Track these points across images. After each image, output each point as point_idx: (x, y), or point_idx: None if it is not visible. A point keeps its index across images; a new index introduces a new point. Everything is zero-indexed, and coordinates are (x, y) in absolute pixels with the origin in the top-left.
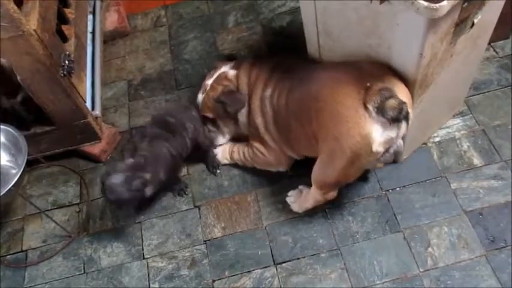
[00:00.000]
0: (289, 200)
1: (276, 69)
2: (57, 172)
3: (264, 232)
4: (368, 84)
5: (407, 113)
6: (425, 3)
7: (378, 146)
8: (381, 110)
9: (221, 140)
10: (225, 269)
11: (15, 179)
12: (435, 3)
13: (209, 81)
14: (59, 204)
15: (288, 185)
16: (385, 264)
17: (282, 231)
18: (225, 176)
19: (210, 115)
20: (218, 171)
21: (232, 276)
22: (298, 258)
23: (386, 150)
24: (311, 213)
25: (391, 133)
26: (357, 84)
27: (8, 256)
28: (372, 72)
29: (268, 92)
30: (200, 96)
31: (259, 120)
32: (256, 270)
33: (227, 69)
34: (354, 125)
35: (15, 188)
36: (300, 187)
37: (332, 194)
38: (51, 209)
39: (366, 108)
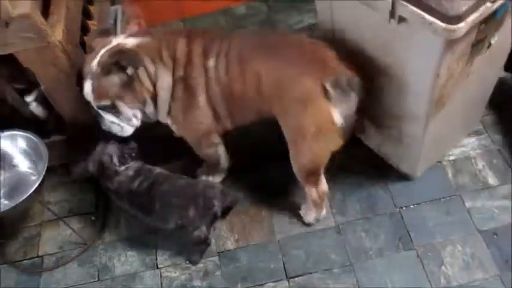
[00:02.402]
0: (301, 212)
1: (216, 38)
2: (74, 180)
3: (276, 245)
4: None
5: (358, 84)
6: (443, 25)
7: (337, 117)
8: (336, 85)
9: (129, 129)
10: (237, 281)
11: (36, 185)
12: (453, 24)
13: (94, 62)
14: (76, 212)
15: (301, 199)
16: (397, 281)
17: (295, 245)
18: (239, 189)
19: (107, 101)
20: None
21: None
22: (310, 273)
23: (345, 122)
24: (324, 228)
25: (346, 104)
26: (318, 73)
27: (24, 261)
28: (324, 58)
29: (212, 61)
30: (88, 85)
31: (202, 97)
32: (268, 284)
33: (121, 40)
34: (317, 106)
35: (35, 194)
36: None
37: (322, 188)
38: (67, 216)
39: (325, 89)
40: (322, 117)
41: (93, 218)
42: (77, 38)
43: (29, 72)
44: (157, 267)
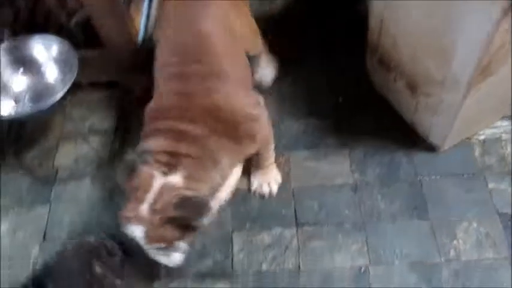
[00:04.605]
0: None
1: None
2: (98, 99)
3: (290, 193)
4: None
5: None
6: None
7: None
8: None
9: (178, 257)
10: (246, 221)
11: (61, 94)
12: None
13: (145, 206)
14: (95, 130)
15: (323, 152)
16: (406, 247)
17: (309, 195)
18: None
19: (163, 244)
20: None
21: (252, 229)
22: (321, 224)
23: None
24: (341, 184)
25: None
26: None
27: (39, 170)
28: None
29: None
30: (138, 230)
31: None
32: (277, 228)
33: (165, 179)
34: None
35: (58, 104)
36: None
37: None
38: (87, 133)
39: None
40: None
41: (111, 138)
42: None
43: None
44: None
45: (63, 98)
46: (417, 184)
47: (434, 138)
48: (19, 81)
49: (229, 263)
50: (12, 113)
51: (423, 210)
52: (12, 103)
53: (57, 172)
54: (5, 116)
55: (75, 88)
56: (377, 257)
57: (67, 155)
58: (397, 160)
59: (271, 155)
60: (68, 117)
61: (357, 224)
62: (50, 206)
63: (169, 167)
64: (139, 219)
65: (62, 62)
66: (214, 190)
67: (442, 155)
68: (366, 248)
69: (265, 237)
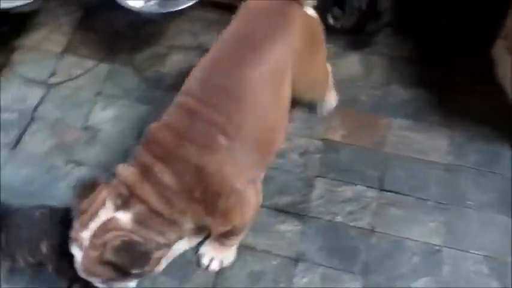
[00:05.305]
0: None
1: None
2: (214, 20)
3: (382, 157)
4: None
5: None
6: None
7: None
8: None
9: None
10: (332, 171)
11: (187, 5)
12: None
13: (86, 234)
14: (205, 48)
15: (423, 125)
16: (486, 239)
17: (400, 164)
18: (363, 91)
19: (97, 280)
20: None
21: (335, 180)
22: (404, 194)
23: None
24: (434, 161)
25: None
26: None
27: (147, 72)
28: None
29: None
30: (76, 255)
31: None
32: (359, 186)
33: (114, 213)
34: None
35: (180, 14)
36: None
37: None
38: (197, 49)
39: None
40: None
41: None
42: None
43: None
44: None
45: (186, 9)
46: None
47: None
48: None
49: (305, 206)
50: (139, 9)
51: None
52: (142, 2)
53: (163, 78)
54: (134, 9)
55: (197, 3)
56: (454, 241)
57: (175, 65)
58: (500, 153)
59: (238, 239)
60: (184, 30)
61: (440, 204)
62: (151, 108)
63: (123, 202)
64: (79, 245)
65: None
66: (164, 245)
67: None
68: (444, 229)
69: (347, 191)
